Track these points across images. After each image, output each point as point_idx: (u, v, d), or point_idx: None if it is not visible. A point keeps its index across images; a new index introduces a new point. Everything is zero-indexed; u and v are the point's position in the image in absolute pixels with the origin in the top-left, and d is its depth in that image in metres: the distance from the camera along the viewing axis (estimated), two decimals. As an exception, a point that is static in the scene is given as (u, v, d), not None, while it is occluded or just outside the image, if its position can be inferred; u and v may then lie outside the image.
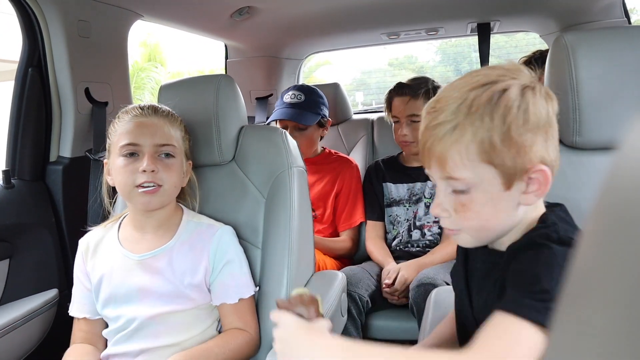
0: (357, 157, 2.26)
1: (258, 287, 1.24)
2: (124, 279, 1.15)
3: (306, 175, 1.41)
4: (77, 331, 1.20)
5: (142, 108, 1.17)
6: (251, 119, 2.52)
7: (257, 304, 1.28)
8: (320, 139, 2.06)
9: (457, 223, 0.77)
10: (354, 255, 1.99)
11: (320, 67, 13.07)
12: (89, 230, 1.26)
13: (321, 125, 2.00)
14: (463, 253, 0.93)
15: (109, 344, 1.19)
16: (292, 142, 1.40)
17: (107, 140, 1.19)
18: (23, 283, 1.08)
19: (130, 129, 1.12)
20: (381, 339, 1.66)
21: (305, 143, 1.94)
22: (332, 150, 2.08)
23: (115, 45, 1.68)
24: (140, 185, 1.10)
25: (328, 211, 1.94)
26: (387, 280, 1.66)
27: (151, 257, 1.16)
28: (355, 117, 2.47)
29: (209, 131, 1.35)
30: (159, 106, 1.19)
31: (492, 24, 2.30)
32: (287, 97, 1.98)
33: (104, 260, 1.19)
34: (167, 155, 1.15)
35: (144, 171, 1.10)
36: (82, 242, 1.23)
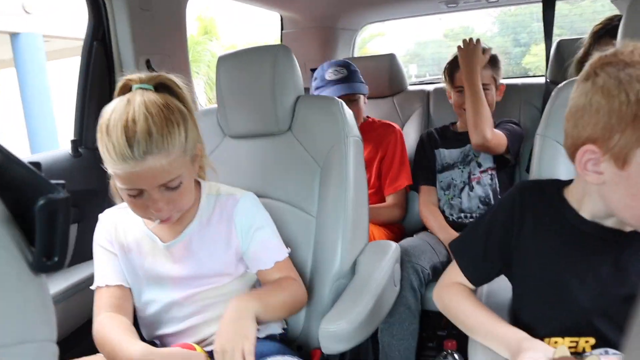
0: (412, 129, 2.24)
1: (289, 249, 1.19)
2: (154, 264, 1.12)
3: (362, 145, 1.41)
4: (106, 299, 1.10)
5: (131, 148, 0.92)
6: (306, 90, 2.52)
7: (310, 273, 1.31)
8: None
9: None
10: (402, 221, 1.99)
11: (374, 39, 12.87)
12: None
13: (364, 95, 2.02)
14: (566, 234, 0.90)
15: (146, 328, 1.18)
16: (349, 112, 1.40)
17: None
18: (89, 247, 1.15)
19: (124, 177, 0.95)
20: (437, 311, 1.65)
21: (357, 113, 1.95)
22: (375, 119, 2.07)
23: (174, 18, 1.72)
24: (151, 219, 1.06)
25: (373, 177, 1.95)
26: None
27: (179, 243, 1.11)
28: (410, 88, 2.43)
29: (266, 101, 1.37)
30: (149, 141, 0.93)
31: (557, -11, 2.19)
32: (330, 75, 1.98)
33: (131, 240, 1.13)
34: (175, 187, 1.00)
35: (157, 211, 1.00)
36: (104, 218, 1.16)
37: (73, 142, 1.48)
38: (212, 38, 12.06)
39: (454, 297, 1.00)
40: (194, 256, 1.12)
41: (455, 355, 1.42)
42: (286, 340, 1.26)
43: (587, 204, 0.87)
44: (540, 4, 2.11)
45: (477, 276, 1.01)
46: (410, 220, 2.01)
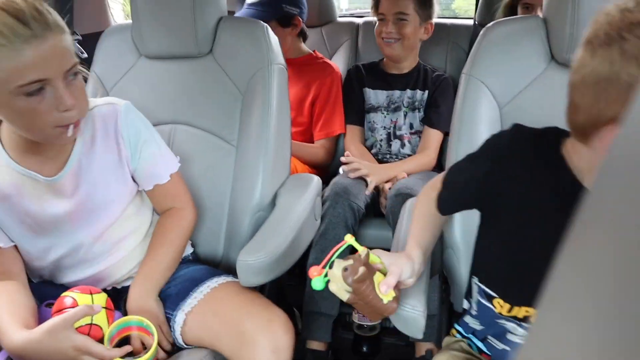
0: (339, 62, 2.18)
1: (179, 157, 1.14)
2: (42, 206, 0.99)
3: (286, 73, 1.35)
4: None
5: (27, 25, 0.80)
6: (230, 14, 2.37)
7: (230, 204, 1.27)
8: (302, 40, 1.97)
9: None
10: (329, 167, 1.96)
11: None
12: None
13: (286, 24, 1.86)
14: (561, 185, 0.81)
15: (47, 276, 1.09)
16: (274, 38, 1.32)
17: None
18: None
19: (32, 62, 0.81)
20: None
21: (283, 38, 1.82)
22: (320, 55, 1.99)
23: None
24: (59, 126, 0.89)
25: (304, 116, 1.88)
26: (343, 159, 1.67)
27: (66, 174, 0.99)
28: (339, 20, 2.36)
29: (186, 19, 1.27)
30: (42, 16, 0.83)
31: None
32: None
33: (5, 185, 0.97)
34: (74, 75, 0.89)
35: (65, 111, 0.87)
36: None
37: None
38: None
39: (418, 206, 1.00)
40: (87, 184, 1.01)
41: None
42: (202, 260, 1.26)
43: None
44: None
45: (446, 208, 0.98)
46: (332, 163, 1.99)
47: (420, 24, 1.77)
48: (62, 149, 0.99)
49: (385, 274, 0.83)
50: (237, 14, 1.89)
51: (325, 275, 0.81)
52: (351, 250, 0.86)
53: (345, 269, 0.79)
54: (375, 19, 1.84)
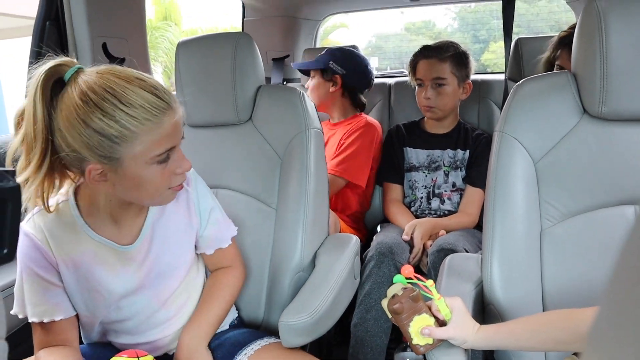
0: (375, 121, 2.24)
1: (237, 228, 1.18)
2: (111, 274, 1.00)
3: (322, 136, 1.40)
4: (44, 335, 0.97)
5: (164, 99, 0.87)
6: (267, 80, 2.49)
7: (270, 265, 1.30)
8: (354, 105, 2.04)
9: None
10: (366, 226, 1.98)
11: (336, 30, 12.86)
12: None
13: (328, 78, 1.96)
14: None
15: (99, 334, 1.09)
16: (310, 104, 1.38)
17: (106, 144, 0.84)
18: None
19: (168, 132, 0.87)
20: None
21: (310, 93, 1.97)
22: (363, 115, 2.04)
23: (134, 0, 1.65)
24: (174, 186, 0.95)
25: None
26: (404, 236, 1.65)
27: (142, 241, 1.01)
28: (372, 81, 2.43)
29: (227, 90, 1.34)
30: (166, 89, 0.91)
31: (517, -13, 2.22)
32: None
33: (78, 252, 0.97)
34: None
35: (182, 173, 0.94)
36: (31, 226, 0.96)
37: (21, 126, 1.41)
38: (171, 24, 11.78)
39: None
40: (158, 250, 1.03)
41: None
42: (245, 324, 1.27)
43: None
44: (500, 2, 2.14)
45: None
46: (371, 213, 2.01)
47: (459, 84, 1.81)
48: (137, 216, 1.02)
49: (440, 322, 0.91)
50: (293, 65, 2.02)
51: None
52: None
53: (393, 296, 0.91)
54: (411, 82, 1.90)
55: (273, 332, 1.22)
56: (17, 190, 0.42)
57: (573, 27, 1.75)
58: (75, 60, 0.87)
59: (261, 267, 1.31)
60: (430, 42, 1.88)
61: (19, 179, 0.84)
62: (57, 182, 0.90)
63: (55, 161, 0.86)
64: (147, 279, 1.03)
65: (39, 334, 0.97)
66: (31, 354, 1.00)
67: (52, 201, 0.94)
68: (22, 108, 0.86)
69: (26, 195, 0.85)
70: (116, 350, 1.07)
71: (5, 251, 0.44)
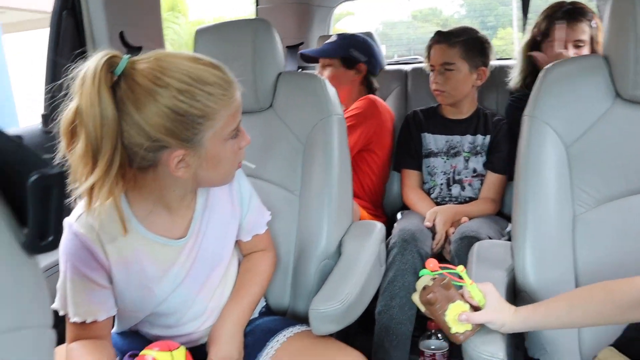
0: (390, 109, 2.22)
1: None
2: (161, 269, 0.98)
3: (345, 123, 1.39)
4: (81, 332, 0.93)
5: (226, 74, 0.89)
6: (281, 68, 2.48)
7: (295, 253, 1.29)
8: (370, 89, 2.02)
9: None
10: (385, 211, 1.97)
11: (343, 18, 12.76)
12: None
13: (349, 66, 1.94)
14: None
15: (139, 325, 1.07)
16: (332, 90, 1.37)
17: (189, 126, 0.83)
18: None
19: (238, 106, 0.90)
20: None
21: (329, 80, 1.92)
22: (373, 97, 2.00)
23: (149, -12, 1.64)
24: (240, 162, 0.98)
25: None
26: (427, 223, 1.64)
27: (191, 235, 1.00)
28: (388, 68, 2.40)
29: (246, 77, 1.32)
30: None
31: (536, -31, 2.18)
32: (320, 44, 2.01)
33: (124, 248, 0.94)
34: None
35: (245, 145, 0.96)
36: (81, 225, 0.91)
37: (44, 116, 1.40)
38: (178, 15, 11.73)
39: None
40: (205, 242, 1.02)
41: (439, 335, 1.43)
42: (272, 311, 1.27)
43: None
44: None
45: None
46: (389, 200, 2.00)
47: (470, 70, 1.78)
48: (187, 208, 1.00)
49: (474, 308, 0.90)
50: (307, 51, 2.00)
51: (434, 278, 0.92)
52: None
53: (424, 288, 0.90)
54: (426, 68, 1.88)
55: (299, 319, 1.21)
56: (61, 176, 0.41)
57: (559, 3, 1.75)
58: (118, 52, 0.83)
59: (286, 254, 1.30)
60: (437, 29, 1.87)
61: (82, 189, 0.80)
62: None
63: (124, 158, 0.83)
64: (192, 272, 1.01)
65: (75, 328, 0.93)
66: (61, 339, 0.98)
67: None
68: (73, 112, 0.81)
69: (96, 199, 0.82)
70: (145, 339, 1.07)
71: (50, 239, 0.43)
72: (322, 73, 1.96)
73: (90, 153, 0.80)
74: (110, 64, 0.81)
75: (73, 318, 0.91)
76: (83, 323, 0.92)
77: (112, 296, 0.97)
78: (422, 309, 0.93)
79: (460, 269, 0.91)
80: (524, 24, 2.09)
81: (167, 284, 0.99)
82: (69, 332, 0.94)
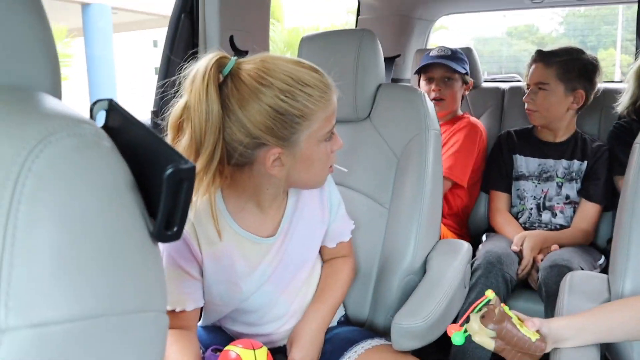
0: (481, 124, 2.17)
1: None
2: (250, 266, 1.00)
3: (441, 139, 1.37)
4: (172, 320, 0.90)
5: (324, 78, 0.91)
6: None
7: (379, 265, 1.29)
8: (462, 100, 2.05)
9: None
10: (469, 232, 1.93)
11: (435, 31, 12.62)
12: None
13: (465, 81, 1.99)
14: None
15: (223, 320, 1.10)
16: (431, 105, 1.36)
17: (287, 125, 0.86)
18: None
19: (334, 109, 0.93)
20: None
21: (451, 95, 1.94)
22: (467, 114, 2.02)
23: (261, -5, 1.71)
24: (331, 166, 0.98)
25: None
26: (514, 247, 1.59)
27: (280, 234, 1.02)
28: (484, 85, 2.36)
29: (348, 86, 1.34)
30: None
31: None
32: (434, 52, 2.00)
33: (217, 243, 0.97)
34: None
35: (338, 149, 0.97)
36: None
37: (153, 112, 1.49)
38: (274, 22, 12.09)
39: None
40: (293, 243, 1.04)
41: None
42: (350, 322, 1.27)
43: None
44: (614, 7, 1.99)
45: None
46: (474, 220, 1.95)
47: (566, 92, 1.71)
48: (278, 208, 1.03)
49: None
50: (423, 62, 2.00)
51: (465, 331, 0.86)
52: None
53: (482, 317, 0.85)
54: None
55: (377, 332, 1.21)
56: (192, 171, 0.44)
57: None
58: (226, 53, 0.88)
59: (369, 266, 1.30)
60: (532, 47, 1.82)
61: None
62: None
63: (224, 154, 0.87)
64: (278, 271, 1.03)
65: None
66: None
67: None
68: (181, 108, 0.86)
69: (196, 192, 0.86)
70: (227, 336, 1.11)
71: (175, 229, 0.45)
72: (440, 88, 1.96)
73: (194, 147, 0.84)
74: (219, 64, 0.85)
75: None
76: (172, 311, 0.95)
77: (201, 288, 1.00)
78: (491, 345, 0.86)
79: (489, 292, 0.89)
80: (638, 48, 1.98)
81: (254, 281, 1.01)
82: None
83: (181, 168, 0.43)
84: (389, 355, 1.06)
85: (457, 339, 0.85)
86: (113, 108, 0.52)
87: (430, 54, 2.00)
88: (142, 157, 0.45)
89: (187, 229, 0.95)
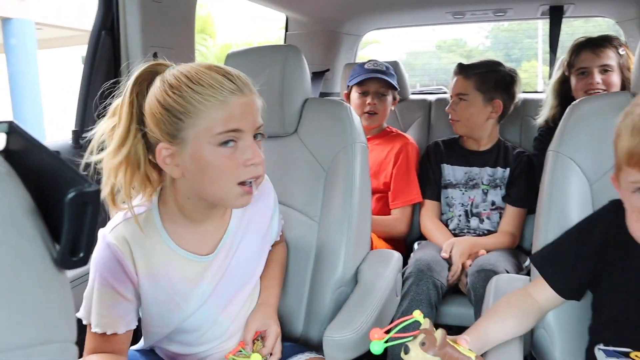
0: (412, 138, 2.23)
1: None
2: (189, 285, 0.98)
3: (367, 151, 1.39)
4: (102, 344, 0.93)
5: (234, 82, 0.88)
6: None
7: (311, 279, 1.29)
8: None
9: None
10: (405, 241, 1.97)
11: (368, 45, 12.90)
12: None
13: (394, 97, 2.03)
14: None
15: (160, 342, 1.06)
16: (357, 118, 1.38)
17: (171, 120, 0.86)
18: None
19: (236, 113, 0.87)
20: (442, 324, 1.65)
21: (383, 109, 1.97)
22: (392, 128, 2.07)
23: (184, 11, 1.69)
24: (242, 183, 0.89)
25: (381, 185, 1.92)
26: (443, 254, 1.63)
27: (221, 251, 1.00)
28: (412, 97, 2.43)
29: (274, 101, 1.34)
30: (244, 78, 0.91)
31: (565, 7, 2.20)
32: (370, 65, 2.01)
33: (159, 264, 0.95)
34: (260, 135, 0.93)
35: (251, 165, 0.89)
36: (115, 237, 0.93)
37: (74, 132, 1.44)
38: (206, 37, 11.98)
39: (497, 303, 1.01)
40: (235, 260, 1.03)
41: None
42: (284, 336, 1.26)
43: None
44: (535, 22, 2.12)
45: (565, 287, 0.97)
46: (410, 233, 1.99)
47: (485, 103, 1.79)
48: (220, 224, 1.01)
49: None
50: (360, 77, 1.98)
51: (386, 341, 0.83)
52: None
53: (423, 344, 0.80)
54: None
55: (311, 346, 1.21)
56: (97, 194, 0.42)
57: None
58: (170, 63, 0.92)
59: (302, 280, 1.29)
60: (461, 60, 1.91)
61: (101, 156, 0.89)
62: (146, 183, 0.93)
63: (139, 148, 0.89)
64: (219, 289, 1.01)
65: (94, 340, 0.94)
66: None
67: (137, 210, 0.94)
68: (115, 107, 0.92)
69: (105, 179, 0.88)
70: (161, 358, 1.07)
71: (81, 255, 0.44)
72: (375, 102, 1.97)
73: (111, 131, 0.90)
74: (157, 69, 0.91)
75: (94, 328, 0.92)
76: (103, 334, 0.92)
77: (134, 310, 0.97)
78: None
79: (416, 313, 0.86)
80: (552, 61, 2.10)
81: (194, 300, 0.99)
82: (88, 343, 0.95)
83: (84, 191, 0.42)
84: None
85: (375, 348, 0.82)
86: (13, 130, 0.49)
87: (366, 66, 2.01)
88: (44, 181, 0.44)
89: (123, 249, 0.92)
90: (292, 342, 1.23)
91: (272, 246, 1.17)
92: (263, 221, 1.09)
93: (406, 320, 0.85)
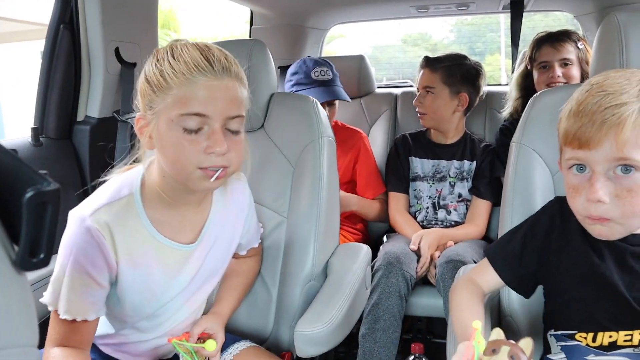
0: (379, 132, 2.24)
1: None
2: (169, 274, 0.97)
3: (335, 145, 1.40)
4: (68, 332, 0.90)
5: (210, 63, 0.86)
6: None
7: (280, 275, 1.28)
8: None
9: (615, 210, 0.79)
10: (370, 234, 1.99)
11: (334, 40, 12.89)
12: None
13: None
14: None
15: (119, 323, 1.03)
16: (323, 112, 1.38)
17: (147, 93, 0.87)
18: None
19: (200, 95, 0.84)
20: (412, 315, 1.68)
21: (332, 116, 1.95)
22: (339, 121, 2.06)
23: (146, 5, 1.65)
24: (204, 168, 0.87)
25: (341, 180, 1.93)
26: (412, 246, 1.65)
27: (202, 241, 1.00)
28: (378, 91, 2.44)
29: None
30: (227, 61, 0.88)
31: (525, 1, 2.24)
32: (316, 74, 1.92)
33: (139, 249, 0.93)
34: (236, 131, 0.90)
35: (212, 153, 0.86)
36: (96, 220, 0.88)
37: (34, 129, 1.40)
38: (170, 32, 11.77)
39: (461, 298, 1.00)
40: (212, 252, 1.03)
41: (423, 358, 1.42)
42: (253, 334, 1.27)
43: None
44: (497, 16, 2.16)
45: (513, 278, 0.99)
46: (375, 223, 2.01)
47: (451, 96, 1.81)
48: (198, 213, 1.00)
49: None
50: (308, 92, 1.87)
51: None
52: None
53: (512, 358, 0.67)
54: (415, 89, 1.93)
55: (283, 340, 1.21)
56: (56, 193, 0.41)
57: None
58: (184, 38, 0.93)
59: (272, 275, 1.29)
60: (426, 53, 1.92)
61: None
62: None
63: None
64: (195, 280, 1.01)
65: (61, 328, 0.90)
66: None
67: (120, 194, 0.93)
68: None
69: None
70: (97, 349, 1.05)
71: (41, 256, 0.43)
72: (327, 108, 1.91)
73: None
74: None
75: (64, 315, 0.88)
76: (73, 321, 0.89)
77: (104, 297, 0.93)
78: None
79: (476, 324, 0.70)
80: (515, 55, 2.14)
81: (171, 291, 0.98)
82: (53, 332, 0.90)
83: (43, 190, 0.41)
84: (257, 356, 1.08)
85: None
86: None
87: (313, 75, 1.92)
88: (1, 181, 0.42)
89: (104, 233, 0.89)
90: (264, 338, 1.23)
91: (247, 254, 1.18)
92: (238, 218, 1.09)
93: (475, 337, 0.70)
